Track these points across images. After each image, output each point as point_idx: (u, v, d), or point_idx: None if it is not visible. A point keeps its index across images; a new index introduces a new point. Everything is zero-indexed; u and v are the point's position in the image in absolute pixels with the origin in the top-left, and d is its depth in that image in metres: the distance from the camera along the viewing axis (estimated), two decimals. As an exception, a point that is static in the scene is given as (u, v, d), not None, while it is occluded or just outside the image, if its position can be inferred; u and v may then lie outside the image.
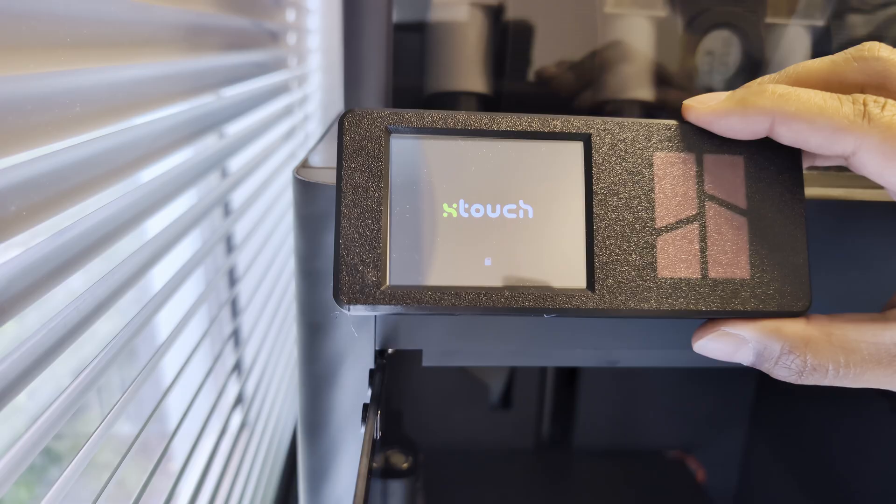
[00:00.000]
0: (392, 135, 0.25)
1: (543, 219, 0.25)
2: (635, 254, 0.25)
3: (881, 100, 0.23)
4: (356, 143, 0.25)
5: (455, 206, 0.25)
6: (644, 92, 0.42)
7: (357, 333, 0.31)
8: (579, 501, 0.58)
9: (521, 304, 0.24)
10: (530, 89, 0.42)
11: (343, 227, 0.24)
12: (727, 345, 0.26)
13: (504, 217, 0.25)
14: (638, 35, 0.41)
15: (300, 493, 0.37)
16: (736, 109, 0.25)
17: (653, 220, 0.26)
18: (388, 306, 0.24)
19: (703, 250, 0.26)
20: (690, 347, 0.33)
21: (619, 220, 0.26)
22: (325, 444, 0.34)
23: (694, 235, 0.26)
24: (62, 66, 0.29)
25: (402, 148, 0.25)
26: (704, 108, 0.26)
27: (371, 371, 0.32)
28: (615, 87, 0.42)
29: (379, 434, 0.32)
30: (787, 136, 0.24)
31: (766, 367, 0.26)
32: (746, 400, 0.60)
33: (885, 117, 0.22)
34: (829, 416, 0.52)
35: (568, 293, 0.25)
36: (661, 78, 0.42)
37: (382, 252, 0.24)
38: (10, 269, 0.27)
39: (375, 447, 0.30)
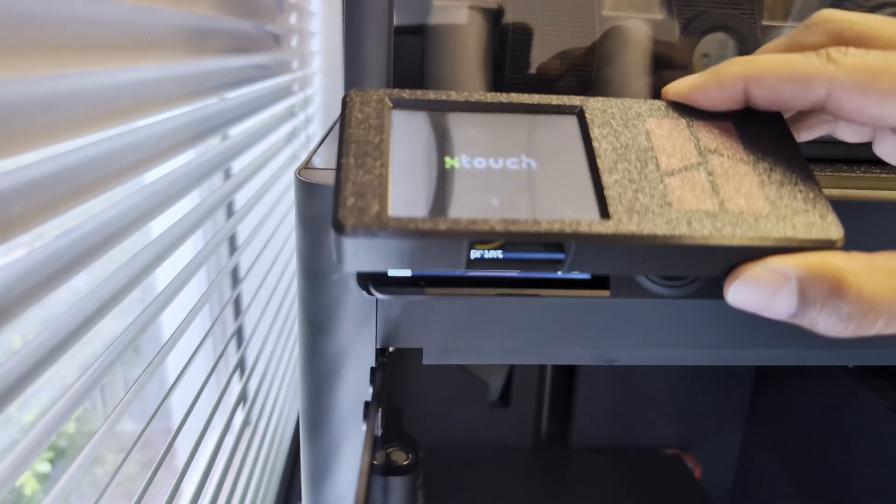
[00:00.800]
0: (394, 109, 0.26)
1: (547, 170, 0.25)
2: (646, 194, 0.24)
3: (842, 48, 0.24)
4: (359, 114, 0.26)
5: (457, 159, 0.25)
6: (641, 94, 0.42)
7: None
8: (578, 498, 0.58)
9: (534, 229, 0.23)
10: (530, 92, 0.43)
11: (343, 165, 0.24)
12: (765, 286, 0.23)
13: (507, 168, 0.25)
14: (636, 38, 0.42)
15: (302, 489, 0.37)
16: (710, 79, 0.27)
17: (657, 167, 0.25)
18: (390, 232, 0.22)
19: (715, 189, 0.25)
20: (689, 346, 0.33)
21: (624, 169, 0.25)
22: (327, 442, 0.35)
23: (702, 178, 0.25)
24: (67, 68, 0.30)
25: (404, 118, 0.26)
26: (682, 85, 0.28)
27: (372, 369, 0.33)
28: (613, 89, 0.42)
29: (380, 431, 0.32)
30: (762, 94, 0.26)
31: (809, 316, 0.23)
32: (744, 398, 0.60)
33: (849, 58, 0.24)
34: (827, 415, 0.53)
35: (583, 222, 0.23)
36: (658, 80, 0.42)
37: (385, 187, 0.23)
38: (14, 270, 0.28)
39: (376, 444, 0.31)
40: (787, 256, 0.23)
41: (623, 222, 0.23)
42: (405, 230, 0.22)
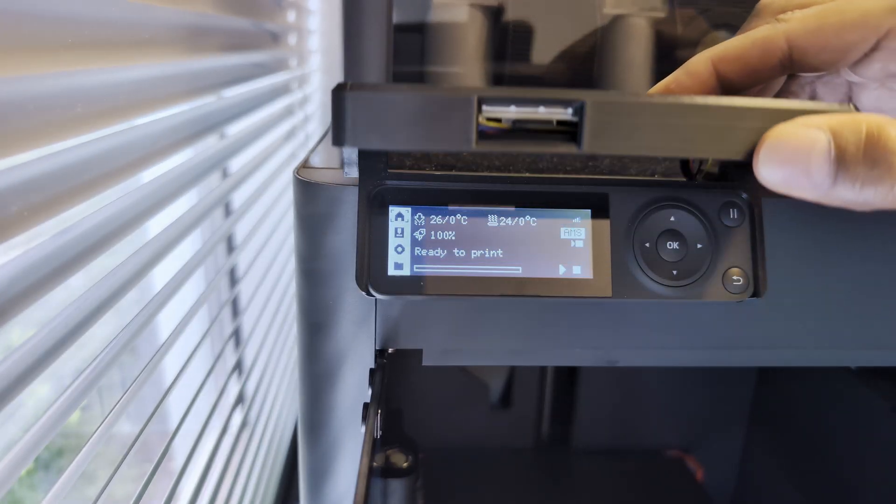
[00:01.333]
0: None
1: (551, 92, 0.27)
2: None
3: (788, 12, 0.27)
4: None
5: None
6: (644, 92, 0.42)
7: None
8: (579, 501, 0.58)
9: (547, 94, 0.23)
10: (530, 90, 0.43)
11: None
12: (798, 144, 0.21)
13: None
14: (637, 35, 0.42)
15: (301, 492, 0.37)
16: (681, 71, 0.29)
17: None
18: (395, 87, 0.22)
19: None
20: (691, 347, 0.33)
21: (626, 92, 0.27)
22: (326, 444, 0.34)
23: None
24: (64, 66, 0.29)
25: None
26: (658, 85, 0.30)
27: (371, 370, 0.32)
28: (615, 87, 0.42)
29: (379, 433, 0.32)
30: (731, 69, 0.28)
31: (852, 175, 0.21)
32: (745, 400, 0.60)
33: (797, 14, 0.27)
34: (830, 417, 0.53)
35: (594, 91, 0.24)
36: (661, 78, 0.42)
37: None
38: (11, 270, 0.27)
39: (376, 446, 0.30)
40: (816, 115, 0.22)
41: (635, 94, 0.24)
42: (411, 87, 0.22)
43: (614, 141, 0.23)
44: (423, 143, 0.23)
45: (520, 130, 0.23)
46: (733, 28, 0.42)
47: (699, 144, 0.23)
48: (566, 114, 0.23)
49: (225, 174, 0.65)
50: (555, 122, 0.23)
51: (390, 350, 0.33)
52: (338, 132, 0.22)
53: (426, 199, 0.28)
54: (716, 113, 0.23)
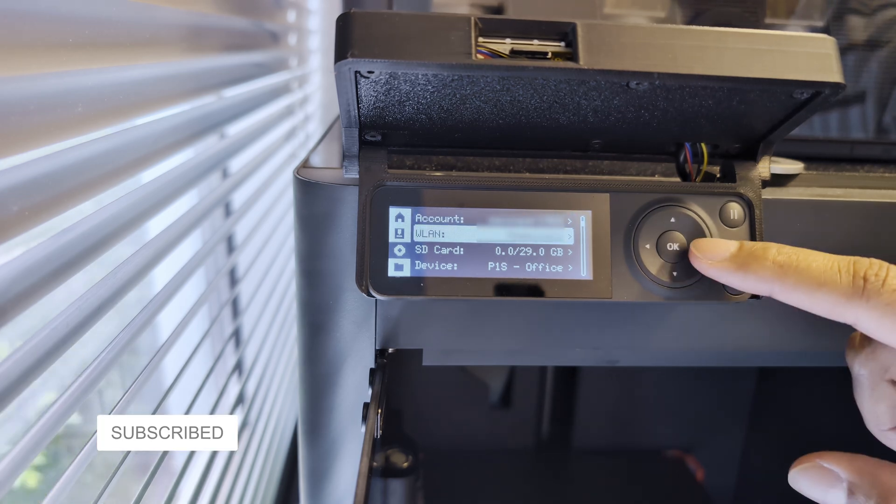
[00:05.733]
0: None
1: None
2: None
3: (882, 273, 0.23)
4: None
5: None
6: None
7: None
8: (579, 501, 0.58)
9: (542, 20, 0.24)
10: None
11: None
12: (819, 482, 0.27)
13: None
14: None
15: (301, 492, 0.37)
16: (737, 273, 0.26)
17: None
18: (398, 10, 0.23)
19: None
20: (691, 348, 0.33)
21: None
22: (326, 444, 0.34)
23: None
24: (64, 66, 0.29)
25: None
26: (708, 263, 0.27)
27: (371, 370, 0.32)
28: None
29: (379, 433, 0.32)
30: (788, 302, 0.25)
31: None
32: (746, 400, 0.60)
33: (885, 294, 0.23)
34: (830, 417, 0.52)
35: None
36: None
37: None
38: (12, 269, 0.27)
39: (376, 446, 0.30)
40: (840, 456, 0.26)
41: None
42: (413, 11, 0.23)
43: (608, 58, 0.24)
44: (424, 55, 0.23)
45: (519, 53, 0.24)
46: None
47: (687, 61, 0.24)
48: (560, 46, 0.24)
49: (225, 174, 0.65)
50: (549, 54, 0.24)
51: (390, 350, 0.33)
52: (342, 47, 0.23)
53: (426, 199, 0.28)
54: (700, 35, 0.24)
